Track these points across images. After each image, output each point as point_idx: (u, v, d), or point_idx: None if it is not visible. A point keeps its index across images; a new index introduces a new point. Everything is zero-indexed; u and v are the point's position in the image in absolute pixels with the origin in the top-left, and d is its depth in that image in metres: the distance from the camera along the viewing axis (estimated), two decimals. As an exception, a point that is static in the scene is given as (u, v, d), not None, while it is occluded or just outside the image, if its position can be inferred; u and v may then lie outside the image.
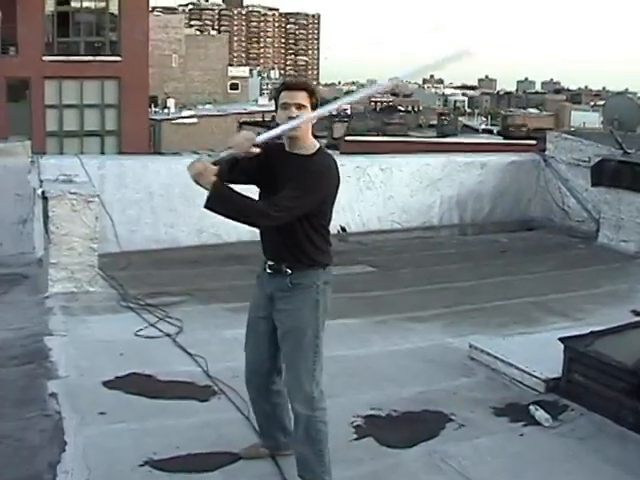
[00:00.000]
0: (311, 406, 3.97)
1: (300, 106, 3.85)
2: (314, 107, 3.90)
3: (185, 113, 56.96)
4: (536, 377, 5.59)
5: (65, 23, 35.16)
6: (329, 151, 4.11)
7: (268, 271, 4.02)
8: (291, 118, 3.84)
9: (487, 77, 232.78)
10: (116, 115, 35.74)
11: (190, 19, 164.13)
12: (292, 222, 3.84)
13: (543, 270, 9.46)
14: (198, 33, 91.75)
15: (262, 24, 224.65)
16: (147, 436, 4.66)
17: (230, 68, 78.71)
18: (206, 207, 3.75)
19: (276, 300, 4.00)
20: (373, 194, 11.03)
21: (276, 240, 3.94)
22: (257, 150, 3.78)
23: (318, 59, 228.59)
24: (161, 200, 9.80)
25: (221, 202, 3.75)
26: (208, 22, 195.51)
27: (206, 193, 3.72)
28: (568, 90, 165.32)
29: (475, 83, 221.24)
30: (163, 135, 52.37)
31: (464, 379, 5.85)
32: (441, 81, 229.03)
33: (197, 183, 3.72)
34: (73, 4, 35.59)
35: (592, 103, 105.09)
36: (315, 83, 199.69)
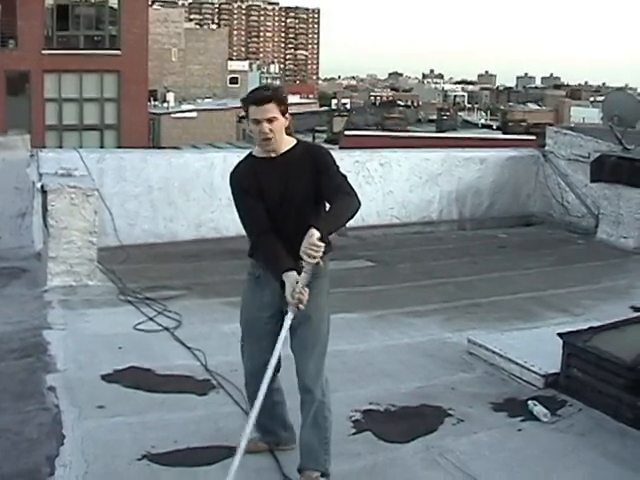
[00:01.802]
0: (324, 391, 4.04)
1: (271, 119, 3.89)
2: (284, 114, 3.94)
3: (184, 107, 56.95)
4: (535, 372, 5.60)
5: (65, 16, 35.14)
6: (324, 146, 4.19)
7: None
8: (264, 133, 3.88)
9: (487, 72, 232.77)
10: (115, 109, 35.74)
11: (190, 13, 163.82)
12: (310, 212, 3.91)
13: (542, 265, 9.46)
14: (198, 27, 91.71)
15: (262, 18, 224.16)
16: (145, 430, 4.66)
17: (230, 62, 78.75)
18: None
19: None
20: (372, 189, 11.02)
21: (293, 237, 3.84)
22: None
23: (318, 53, 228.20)
24: (160, 194, 9.79)
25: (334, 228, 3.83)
26: (208, 16, 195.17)
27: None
28: (568, 86, 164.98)
29: (475, 78, 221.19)
30: (162, 129, 52.37)
31: (462, 374, 5.85)
32: (441, 76, 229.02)
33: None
34: (73, -3, 35.57)
35: (592, 99, 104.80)
36: (315, 78, 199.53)
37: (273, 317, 4.06)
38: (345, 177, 3.98)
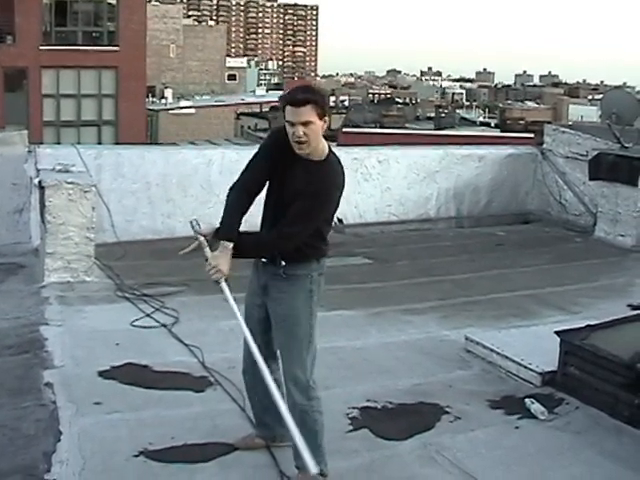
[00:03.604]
0: (307, 395, 4.00)
1: (306, 123, 3.77)
2: (322, 117, 3.81)
3: (182, 103, 56.97)
4: (532, 370, 5.60)
5: (63, 12, 35.15)
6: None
7: (263, 260, 4.07)
8: (297, 136, 3.78)
9: (485, 70, 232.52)
10: (113, 105, 35.74)
11: (188, 9, 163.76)
12: None
13: (540, 263, 9.46)
14: (196, 23, 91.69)
15: (260, 15, 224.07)
16: (142, 426, 4.66)
17: (228, 59, 78.77)
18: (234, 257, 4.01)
19: (270, 289, 4.04)
20: (370, 186, 11.01)
21: (266, 227, 4.01)
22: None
23: (316, 50, 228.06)
24: (158, 190, 9.77)
25: (244, 253, 4.00)
26: (206, 12, 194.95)
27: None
28: (566, 84, 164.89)
29: (473, 76, 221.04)
30: (160, 125, 52.40)
31: (460, 371, 5.85)
32: (439, 73, 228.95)
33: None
34: (71, -7, 35.54)
35: (590, 97, 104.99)
36: (313, 75, 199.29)
37: (261, 306, 4.11)
38: (312, 209, 3.84)
